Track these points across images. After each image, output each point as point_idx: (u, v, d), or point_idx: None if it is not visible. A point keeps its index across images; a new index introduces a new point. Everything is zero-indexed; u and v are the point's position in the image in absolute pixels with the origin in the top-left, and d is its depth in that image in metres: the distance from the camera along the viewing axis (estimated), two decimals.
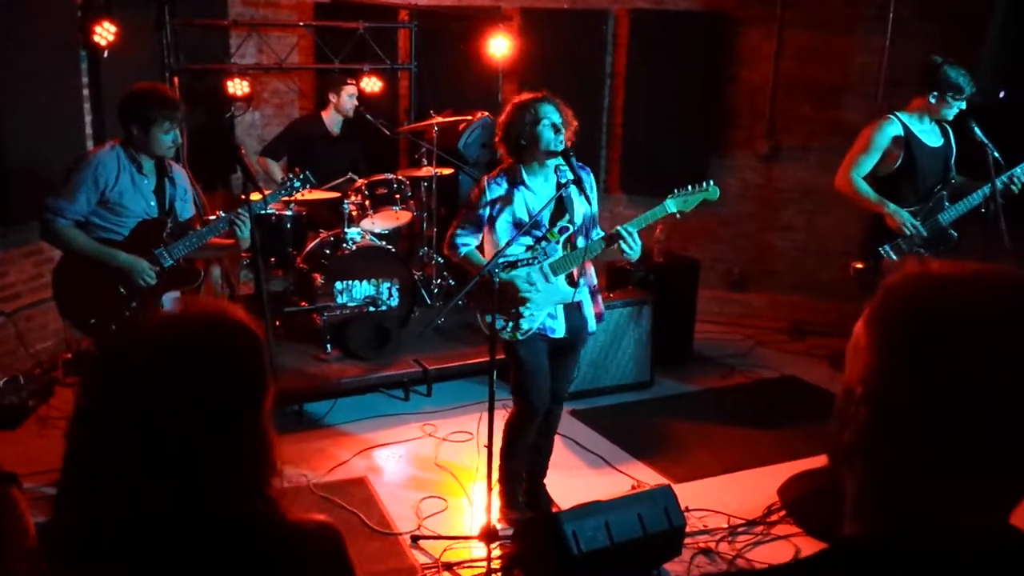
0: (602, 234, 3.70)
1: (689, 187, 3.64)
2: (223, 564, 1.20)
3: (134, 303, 3.99)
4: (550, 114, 3.56)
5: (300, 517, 1.28)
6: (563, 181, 3.59)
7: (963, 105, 4.42)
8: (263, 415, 1.26)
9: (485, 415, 3.49)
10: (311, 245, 5.82)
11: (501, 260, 3.54)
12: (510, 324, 3.61)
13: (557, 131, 3.56)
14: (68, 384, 5.22)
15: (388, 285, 5.71)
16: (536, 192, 3.67)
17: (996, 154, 4.32)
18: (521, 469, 4.00)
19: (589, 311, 3.81)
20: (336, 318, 5.54)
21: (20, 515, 1.62)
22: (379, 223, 6.05)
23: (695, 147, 7.05)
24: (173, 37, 6.13)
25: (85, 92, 5.79)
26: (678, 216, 3.67)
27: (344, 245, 5.64)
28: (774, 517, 4.04)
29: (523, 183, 3.67)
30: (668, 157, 6.98)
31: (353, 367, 5.36)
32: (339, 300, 5.59)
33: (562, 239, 3.65)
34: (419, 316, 5.88)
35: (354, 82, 6.54)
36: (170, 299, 4.12)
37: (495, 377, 3.47)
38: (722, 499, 4.17)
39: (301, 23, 7.11)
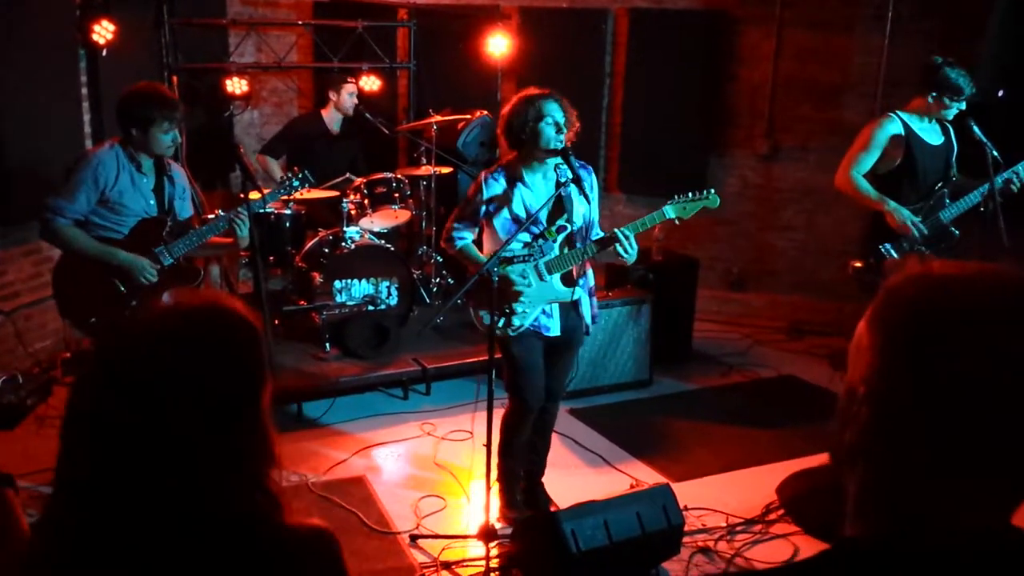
0: (600, 235, 3.70)
1: (689, 194, 3.64)
2: (222, 565, 1.19)
3: (134, 302, 3.99)
4: (554, 112, 3.56)
5: (298, 521, 1.27)
6: (562, 180, 3.59)
7: (962, 106, 4.43)
8: (263, 408, 1.25)
9: (484, 414, 3.48)
10: (310, 244, 5.82)
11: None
12: (502, 320, 3.60)
13: (559, 130, 3.56)
14: (67, 383, 5.22)
15: (387, 284, 5.71)
16: (534, 189, 3.67)
17: (995, 153, 4.32)
18: (519, 468, 4.00)
19: (587, 311, 3.82)
20: (335, 317, 5.54)
21: (14, 518, 1.62)
22: (378, 222, 6.05)
23: (694, 146, 7.05)
24: (172, 36, 6.12)
25: (84, 91, 5.79)
26: (676, 222, 3.67)
27: (343, 244, 5.64)
28: (773, 516, 4.04)
29: (521, 180, 3.67)
30: (667, 156, 6.98)
31: (352, 366, 5.36)
32: (338, 299, 5.59)
33: (559, 238, 3.65)
34: (418, 315, 5.88)
35: (354, 81, 6.54)
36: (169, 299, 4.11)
37: (494, 376, 3.47)
38: (721, 498, 4.17)
39: (300, 22, 7.11)
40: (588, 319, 3.82)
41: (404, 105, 7.52)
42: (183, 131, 4.73)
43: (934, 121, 4.55)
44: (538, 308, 3.68)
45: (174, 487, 1.16)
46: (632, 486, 4.23)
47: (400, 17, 7.33)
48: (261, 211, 5.20)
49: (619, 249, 3.54)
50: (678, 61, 6.91)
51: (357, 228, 5.79)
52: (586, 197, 3.66)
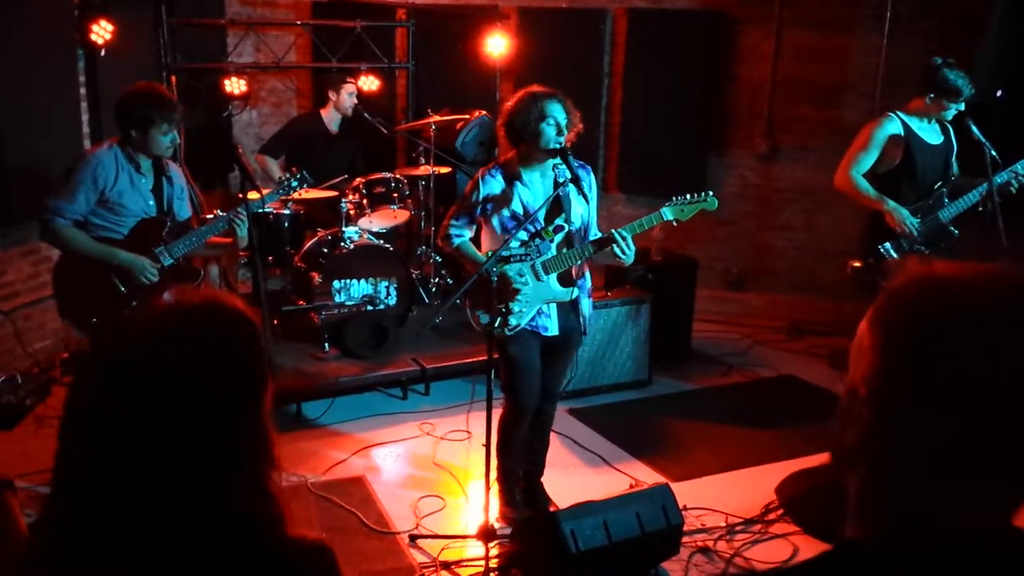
0: (598, 236, 3.70)
1: (687, 196, 3.64)
2: (220, 569, 1.18)
3: (135, 302, 3.99)
4: (556, 113, 3.55)
5: (298, 533, 1.26)
6: (560, 180, 3.59)
7: (961, 107, 4.43)
8: (263, 408, 1.24)
9: (484, 414, 3.48)
10: (309, 244, 5.81)
11: (491, 254, 3.54)
12: (498, 320, 3.60)
13: (560, 132, 3.56)
14: (66, 383, 5.21)
15: (386, 284, 5.71)
16: (532, 188, 3.68)
17: (993, 153, 4.33)
18: (517, 467, 4.00)
19: (587, 311, 3.82)
20: (334, 317, 5.54)
21: (13, 520, 1.61)
22: (377, 222, 6.05)
23: (693, 146, 7.05)
24: (170, 36, 6.12)
25: (82, 91, 5.78)
26: (674, 224, 3.68)
27: (342, 244, 5.64)
28: (772, 516, 4.04)
29: (520, 178, 3.67)
30: (666, 156, 6.99)
31: (351, 366, 5.35)
32: (337, 299, 5.58)
33: (557, 238, 3.64)
34: (417, 315, 5.87)
35: (353, 81, 6.54)
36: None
37: (492, 376, 3.47)
38: (720, 498, 4.17)
39: (298, 22, 7.11)
40: (586, 320, 3.83)
41: (403, 105, 7.52)
42: (182, 131, 4.73)
43: (934, 121, 4.55)
44: (535, 308, 3.68)
45: (173, 487, 1.15)
46: (631, 486, 4.23)
47: (399, 17, 7.33)
48: (260, 211, 5.20)
49: (616, 250, 3.54)
50: (677, 61, 6.91)
51: (356, 228, 5.79)
52: (585, 197, 3.66)
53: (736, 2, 6.82)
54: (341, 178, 6.03)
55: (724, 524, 3.96)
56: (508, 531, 3.72)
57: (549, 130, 3.54)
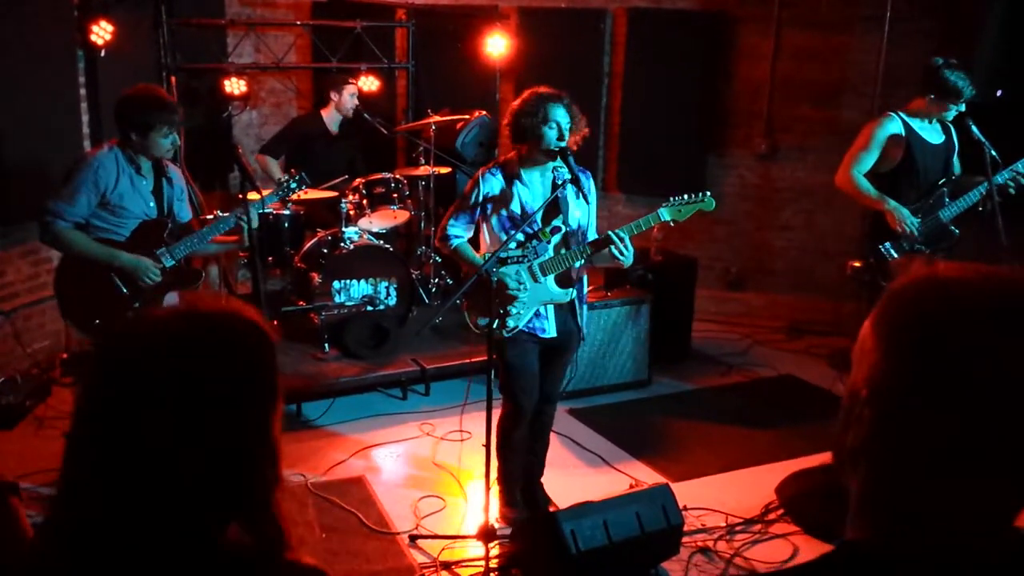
0: (595, 237, 3.71)
1: (685, 196, 3.64)
2: None
3: (137, 303, 3.99)
4: (559, 117, 3.56)
5: (294, 557, 1.22)
6: (560, 182, 3.60)
7: (962, 107, 4.44)
8: (271, 421, 1.21)
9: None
10: (309, 244, 5.81)
11: (489, 255, 3.54)
12: (496, 322, 3.60)
13: (560, 136, 3.56)
14: (65, 384, 5.22)
15: (386, 284, 5.71)
16: (532, 188, 3.68)
17: (993, 153, 4.33)
18: (517, 468, 4.00)
19: (584, 314, 3.83)
20: (334, 317, 5.54)
21: (19, 524, 1.61)
22: (377, 222, 6.05)
23: (693, 146, 7.05)
24: (170, 36, 6.12)
25: (82, 92, 5.78)
26: (672, 224, 3.68)
27: (342, 244, 5.64)
28: (772, 516, 4.04)
29: (519, 178, 3.68)
30: (666, 156, 6.99)
31: (351, 366, 5.35)
32: (337, 299, 5.58)
33: (554, 239, 3.65)
34: (417, 315, 5.87)
35: (355, 81, 6.54)
36: (170, 300, 4.11)
37: (492, 376, 3.47)
38: (720, 498, 4.17)
39: (298, 22, 7.11)
40: (584, 322, 3.83)
41: (403, 105, 7.52)
42: (182, 132, 4.73)
43: (935, 120, 4.56)
44: (532, 310, 3.68)
45: (178, 493, 1.13)
46: (631, 486, 4.23)
47: (398, 17, 7.33)
48: (260, 212, 5.21)
49: (614, 251, 3.54)
50: (677, 61, 6.91)
51: (356, 228, 5.79)
52: (585, 199, 3.66)
53: (736, 2, 6.82)
54: (342, 178, 6.04)
55: (724, 524, 3.96)
56: (508, 531, 3.73)
57: (550, 133, 3.55)
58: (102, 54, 5.67)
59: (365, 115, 6.42)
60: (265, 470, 1.20)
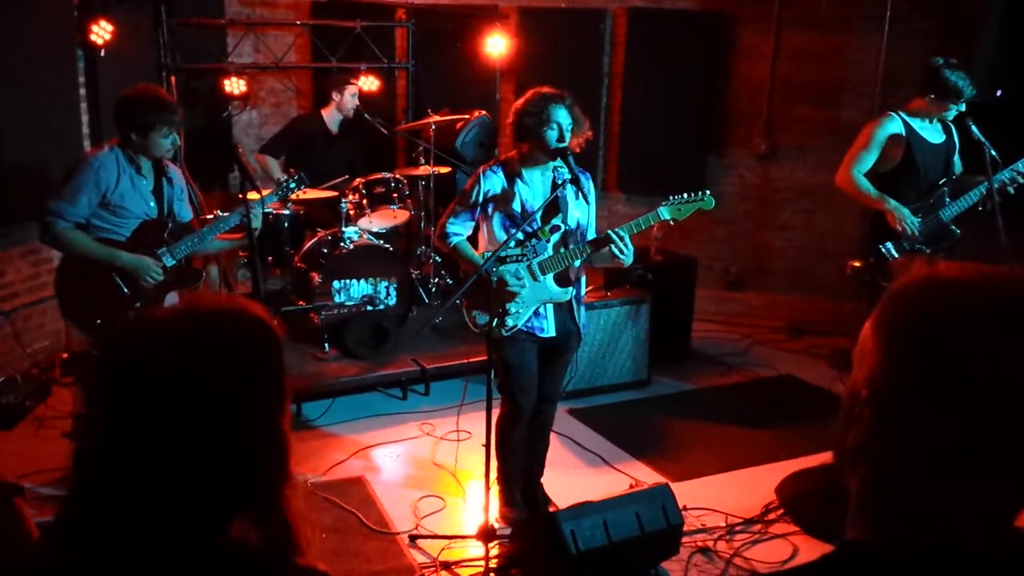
0: (594, 237, 3.71)
1: (685, 195, 3.64)
2: None
3: (138, 303, 3.99)
4: (560, 118, 3.57)
5: (305, 563, 1.22)
6: (560, 181, 3.61)
7: (962, 107, 4.44)
8: (279, 418, 1.20)
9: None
10: (309, 244, 5.81)
11: (489, 255, 3.55)
12: (495, 320, 3.60)
13: (561, 137, 3.57)
14: (65, 384, 5.21)
15: (386, 284, 5.71)
16: (532, 186, 3.68)
17: (993, 152, 4.33)
18: (517, 468, 4.00)
19: (582, 319, 3.83)
20: (334, 317, 5.54)
21: (24, 525, 1.60)
22: (377, 222, 6.05)
23: (693, 146, 7.06)
24: (170, 36, 6.12)
25: (82, 91, 5.78)
26: (671, 223, 3.68)
27: (342, 244, 5.64)
28: (772, 516, 4.04)
29: (520, 177, 3.68)
30: (666, 156, 6.99)
31: (351, 366, 5.35)
32: (337, 299, 5.58)
33: (553, 238, 3.65)
34: (417, 315, 5.87)
35: (355, 81, 6.54)
36: (171, 300, 4.11)
37: (492, 376, 3.47)
38: (720, 498, 4.17)
39: (298, 22, 7.11)
40: (583, 322, 3.83)
41: (403, 105, 7.52)
42: (181, 132, 4.73)
43: (935, 120, 4.56)
44: (532, 309, 3.68)
45: (181, 492, 1.13)
46: (631, 486, 4.23)
47: (398, 17, 7.32)
48: (262, 211, 5.21)
49: (614, 250, 3.55)
50: (677, 61, 6.91)
51: (356, 228, 5.79)
52: (584, 198, 3.67)
53: (735, 2, 6.83)
54: (342, 178, 6.04)
55: (724, 524, 3.96)
56: (508, 531, 3.73)
57: (551, 134, 3.56)
58: (102, 54, 5.67)
59: (365, 115, 6.42)
60: (272, 466, 1.19)
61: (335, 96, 6.43)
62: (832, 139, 6.29)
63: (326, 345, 5.49)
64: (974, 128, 4.36)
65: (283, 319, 5.66)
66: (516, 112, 3.64)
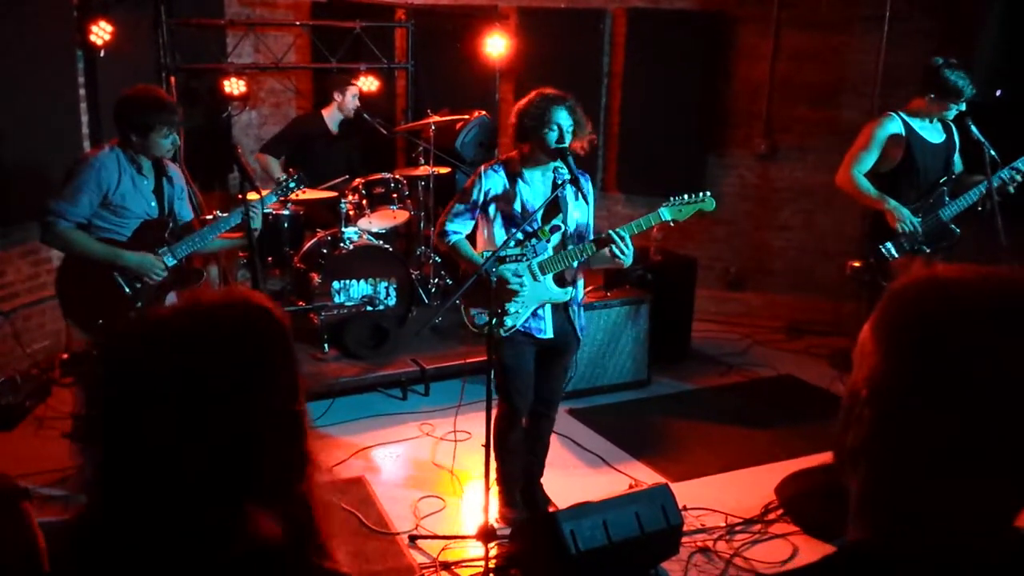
0: (593, 238, 3.71)
1: (685, 196, 3.65)
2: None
3: (139, 303, 3.98)
4: (561, 119, 3.56)
5: (331, 566, 1.21)
6: (560, 181, 3.61)
7: (962, 107, 4.44)
8: (297, 408, 1.20)
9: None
10: (308, 244, 5.82)
11: (488, 254, 3.55)
12: (494, 320, 3.59)
13: (561, 138, 3.57)
14: (65, 384, 5.21)
15: (385, 284, 5.71)
16: (532, 186, 3.69)
17: (992, 152, 4.34)
18: (516, 468, 4.00)
19: (581, 321, 3.83)
20: (333, 317, 5.54)
21: (31, 529, 1.60)
22: (376, 222, 6.05)
23: (692, 146, 7.05)
24: (169, 37, 6.13)
25: (81, 92, 5.78)
26: (671, 224, 3.69)
27: (341, 244, 5.64)
28: (772, 516, 4.04)
29: (521, 176, 3.68)
30: (665, 157, 6.99)
31: (350, 366, 5.36)
32: (336, 299, 5.58)
33: (553, 239, 3.65)
34: (417, 315, 5.88)
35: (356, 82, 6.55)
36: (171, 300, 4.11)
37: (491, 376, 3.47)
38: (719, 498, 4.17)
39: (298, 22, 7.11)
40: (579, 326, 3.83)
41: (402, 105, 7.52)
42: (181, 132, 4.73)
43: (935, 120, 4.56)
44: (530, 308, 3.68)
45: (186, 487, 1.12)
46: (631, 486, 4.23)
47: (398, 17, 7.33)
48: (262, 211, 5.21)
49: (615, 250, 3.55)
50: (676, 61, 6.91)
51: (355, 229, 5.79)
52: (585, 199, 3.67)
53: (735, 2, 6.83)
54: (342, 179, 6.04)
55: (724, 524, 3.96)
56: (508, 531, 3.73)
57: (551, 135, 3.56)
58: (101, 54, 5.67)
59: (365, 115, 6.42)
60: (286, 457, 1.18)
61: (337, 96, 6.43)
62: (832, 139, 6.29)
63: (326, 345, 5.49)
64: (973, 128, 4.36)
65: None
66: (517, 113, 3.65)
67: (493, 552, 3.44)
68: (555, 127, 3.55)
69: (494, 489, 3.74)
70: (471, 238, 3.81)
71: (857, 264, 4.69)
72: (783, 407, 5.36)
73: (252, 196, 3.99)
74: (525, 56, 6.99)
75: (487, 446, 3.48)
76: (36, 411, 4.92)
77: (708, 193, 3.66)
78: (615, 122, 7.28)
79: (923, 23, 6.21)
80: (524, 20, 7.14)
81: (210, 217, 4.26)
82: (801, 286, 6.94)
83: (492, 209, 3.69)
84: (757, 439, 4.89)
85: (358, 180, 5.94)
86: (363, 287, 5.65)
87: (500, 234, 3.67)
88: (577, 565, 3.21)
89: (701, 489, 4.27)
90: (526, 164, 3.70)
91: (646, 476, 4.42)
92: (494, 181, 3.69)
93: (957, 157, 4.66)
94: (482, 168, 3.74)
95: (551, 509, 3.91)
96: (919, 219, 4.50)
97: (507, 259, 3.60)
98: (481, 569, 3.48)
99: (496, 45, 6.67)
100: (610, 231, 3.56)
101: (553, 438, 4.19)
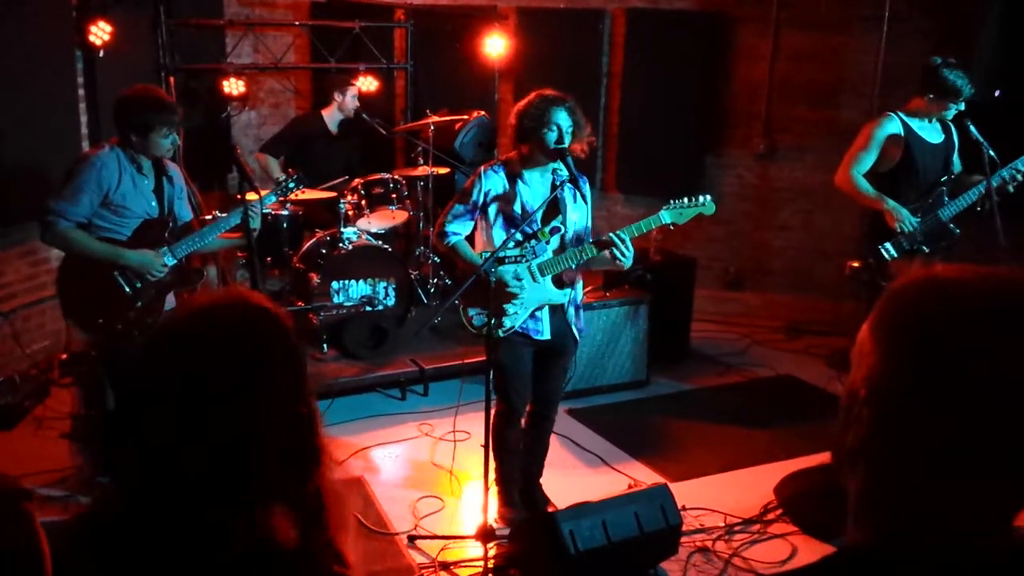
0: (591, 240, 3.71)
1: (686, 199, 3.65)
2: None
3: (139, 303, 3.98)
4: (560, 120, 3.57)
5: (341, 571, 1.21)
6: (559, 182, 3.61)
7: (961, 106, 4.44)
8: (302, 403, 1.20)
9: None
10: (307, 245, 5.81)
11: (487, 255, 3.55)
12: (492, 321, 3.59)
13: (560, 139, 3.57)
14: (64, 385, 5.21)
15: (384, 285, 5.71)
16: (532, 187, 3.69)
17: (991, 152, 4.34)
18: (515, 468, 4.00)
19: (580, 319, 3.83)
20: (332, 318, 5.54)
21: (34, 530, 1.59)
22: (375, 222, 6.05)
23: (692, 147, 7.05)
24: (169, 37, 6.13)
25: (81, 92, 5.78)
26: (671, 227, 3.69)
27: (340, 245, 5.64)
28: (771, 516, 4.04)
29: (521, 177, 3.68)
30: (665, 157, 6.99)
31: (350, 367, 5.36)
32: (335, 300, 5.58)
33: (552, 240, 3.65)
34: (416, 316, 5.87)
35: (356, 82, 6.55)
36: (171, 301, 4.11)
37: (490, 376, 3.47)
38: (719, 498, 4.18)
39: (297, 22, 7.11)
40: (577, 328, 3.83)
41: (401, 106, 7.52)
42: (180, 132, 4.73)
43: (934, 120, 4.56)
44: (529, 309, 3.68)
45: (190, 485, 1.12)
46: (630, 486, 4.23)
47: (397, 18, 7.33)
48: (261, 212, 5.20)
49: (615, 252, 3.55)
50: (675, 61, 6.91)
51: (354, 229, 5.79)
52: (584, 199, 3.67)
53: (734, 3, 6.83)
54: (342, 179, 6.04)
55: (723, 524, 3.96)
56: (507, 531, 3.73)
57: (551, 136, 3.56)
58: (101, 54, 5.67)
59: (364, 115, 6.42)
60: (293, 454, 1.18)
61: (337, 97, 6.42)
62: (831, 139, 6.29)
63: (324, 346, 5.49)
64: (972, 128, 4.36)
65: None
66: (517, 113, 3.65)
67: (492, 552, 3.44)
68: (554, 128, 3.55)
69: (493, 489, 3.75)
70: (470, 239, 3.82)
71: (856, 264, 4.69)
72: (782, 407, 5.36)
73: (251, 196, 3.99)
74: (524, 56, 6.99)
75: (486, 446, 3.48)
76: (35, 411, 4.92)
77: (709, 197, 3.67)
78: (614, 122, 7.28)
79: (922, 23, 6.21)
80: (523, 20, 7.14)
81: (209, 217, 4.25)
82: (800, 286, 6.94)
83: (492, 210, 3.69)
84: (756, 439, 4.89)
85: (357, 180, 5.94)
86: (362, 287, 5.65)
87: (500, 235, 3.66)
88: (576, 565, 3.21)
89: (700, 489, 4.27)
90: (525, 165, 3.70)
91: (645, 476, 4.42)
92: (494, 182, 3.69)
93: (956, 157, 4.66)
94: (482, 169, 3.74)
95: (550, 509, 3.90)
96: (918, 219, 4.50)
97: (506, 260, 3.60)
98: (480, 569, 3.48)
99: (495, 45, 6.67)
100: (610, 233, 3.56)
101: (552, 438, 4.19)
